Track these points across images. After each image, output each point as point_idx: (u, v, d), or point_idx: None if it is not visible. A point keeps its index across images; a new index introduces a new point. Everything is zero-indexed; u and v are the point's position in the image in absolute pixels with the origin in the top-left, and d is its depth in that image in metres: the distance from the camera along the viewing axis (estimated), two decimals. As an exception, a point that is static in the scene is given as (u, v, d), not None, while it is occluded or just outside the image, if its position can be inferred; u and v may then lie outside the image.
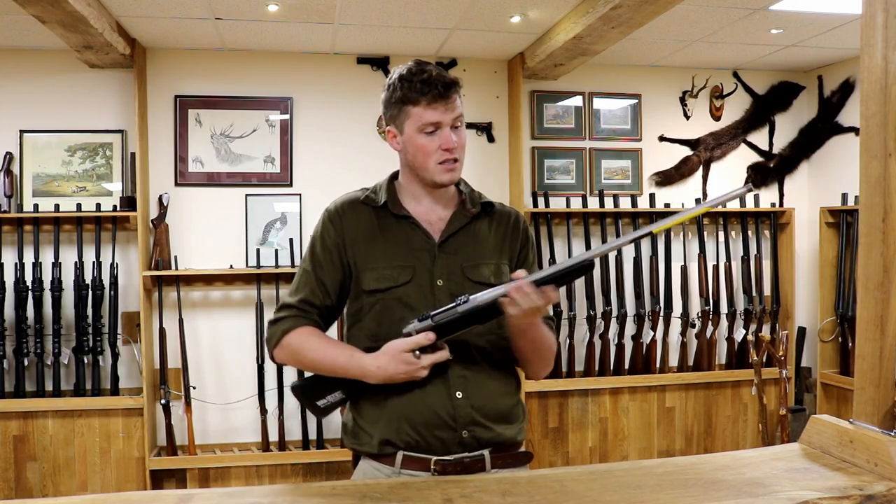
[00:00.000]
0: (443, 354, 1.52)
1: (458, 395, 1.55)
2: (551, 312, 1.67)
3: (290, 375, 3.74)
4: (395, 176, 1.71)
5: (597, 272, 4.09)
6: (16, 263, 3.58)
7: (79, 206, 3.67)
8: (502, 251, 1.68)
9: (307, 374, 1.67)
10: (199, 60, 3.86)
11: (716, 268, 4.25)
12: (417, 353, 1.50)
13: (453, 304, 1.50)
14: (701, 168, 4.41)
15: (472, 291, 1.51)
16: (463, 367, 1.57)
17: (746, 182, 4.46)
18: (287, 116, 3.93)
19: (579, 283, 4.09)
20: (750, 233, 4.35)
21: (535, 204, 4.11)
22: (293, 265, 3.81)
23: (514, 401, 1.65)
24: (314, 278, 1.64)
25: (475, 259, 1.64)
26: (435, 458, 1.53)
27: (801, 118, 4.52)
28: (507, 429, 1.60)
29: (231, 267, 3.83)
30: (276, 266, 3.81)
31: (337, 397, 1.61)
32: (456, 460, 1.54)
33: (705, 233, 4.26)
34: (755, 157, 4.49)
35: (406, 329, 1.53)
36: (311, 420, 3.81)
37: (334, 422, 3.87)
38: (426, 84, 1.53)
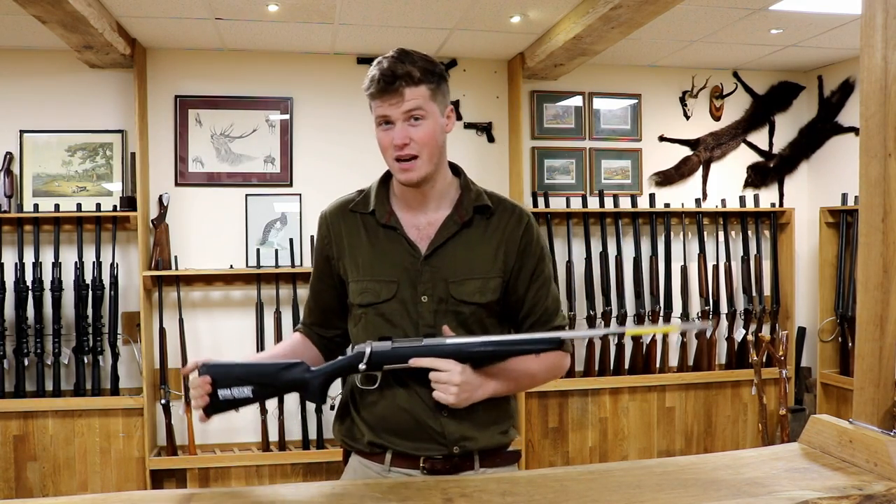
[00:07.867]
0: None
1: (445, 413, 1.51)
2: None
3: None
4: (389, 174, 1.62)
5: (597, 272, 4.09)
6: (16, 263, 3.58)
7: (79, 206, 3.67)
8: (495, 260, 1.54)
9: (236, 361, 1.49)
10: (199, 60, 3.86)
11: (716, 268, 4.25)
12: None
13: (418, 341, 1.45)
14: (701, 168, 4.41)
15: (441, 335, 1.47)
16: None
17: (747, 181, 4.46)
18: (287, 116, 3.93)
19: (579, 283, 4.10)
20: (750, 233, 4.35)
21: (535, 204, 4.11)
22: (293, 265, 3.81)
23: (500, 398, 1.57)
24: (313, 291, 1.70)
25: (462, 274, 1.52)
26: (424, 455, 1.53)
27: (801, 118, 4.52)
28: (495, 435, 1.57)
29: (231, 267, 3.83)
30: (276, 266, 3.81)
31: (244, 393, 1.43)
32: (444, 458, 1.53)
33: (705, 233, 4.26)
34: (755, 157, 4.49)
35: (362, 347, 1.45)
36: (312, 420, 3.81)
37: (334, 422, 3.87)
38: (372, 79, 1.48)
